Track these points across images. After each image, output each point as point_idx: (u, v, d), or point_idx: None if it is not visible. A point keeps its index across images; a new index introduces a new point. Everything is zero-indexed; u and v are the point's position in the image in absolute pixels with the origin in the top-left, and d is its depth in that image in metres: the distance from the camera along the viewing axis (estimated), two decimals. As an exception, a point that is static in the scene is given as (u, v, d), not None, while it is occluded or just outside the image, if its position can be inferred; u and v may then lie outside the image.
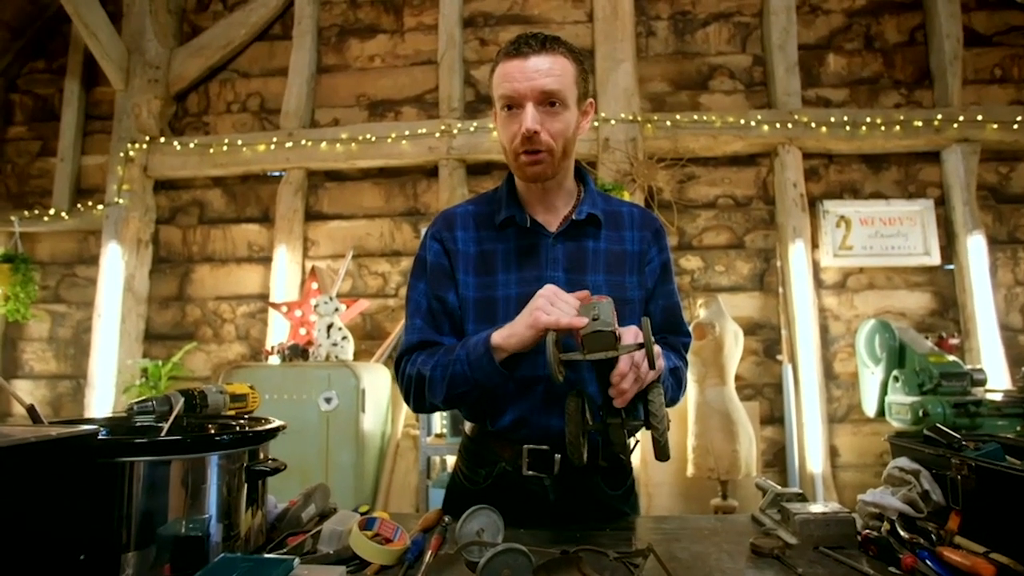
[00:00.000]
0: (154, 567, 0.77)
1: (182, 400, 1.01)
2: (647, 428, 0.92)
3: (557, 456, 1.07)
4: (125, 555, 0.76)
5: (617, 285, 1.12)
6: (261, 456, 0.92)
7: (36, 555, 0.64)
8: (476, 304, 1.11)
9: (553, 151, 1.06)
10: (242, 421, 1.04)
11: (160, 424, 0.96)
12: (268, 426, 0.94)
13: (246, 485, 0.87)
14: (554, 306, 0.93)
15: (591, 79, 1.10)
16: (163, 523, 0.78)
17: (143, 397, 1.01)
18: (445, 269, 1.15)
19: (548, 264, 1.12)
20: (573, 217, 1.13)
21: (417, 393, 1.08)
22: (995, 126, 3.32)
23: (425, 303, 1.14)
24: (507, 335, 0.96)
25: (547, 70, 1.02)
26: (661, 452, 0.91)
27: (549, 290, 0.96)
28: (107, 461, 0.76)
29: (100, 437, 0.78)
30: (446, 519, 1.01)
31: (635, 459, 1.26)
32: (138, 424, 0.98)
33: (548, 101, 1.02)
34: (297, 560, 0.72)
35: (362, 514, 0.95)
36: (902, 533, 0.90)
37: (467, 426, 1.21)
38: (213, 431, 0.98)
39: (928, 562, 0.80)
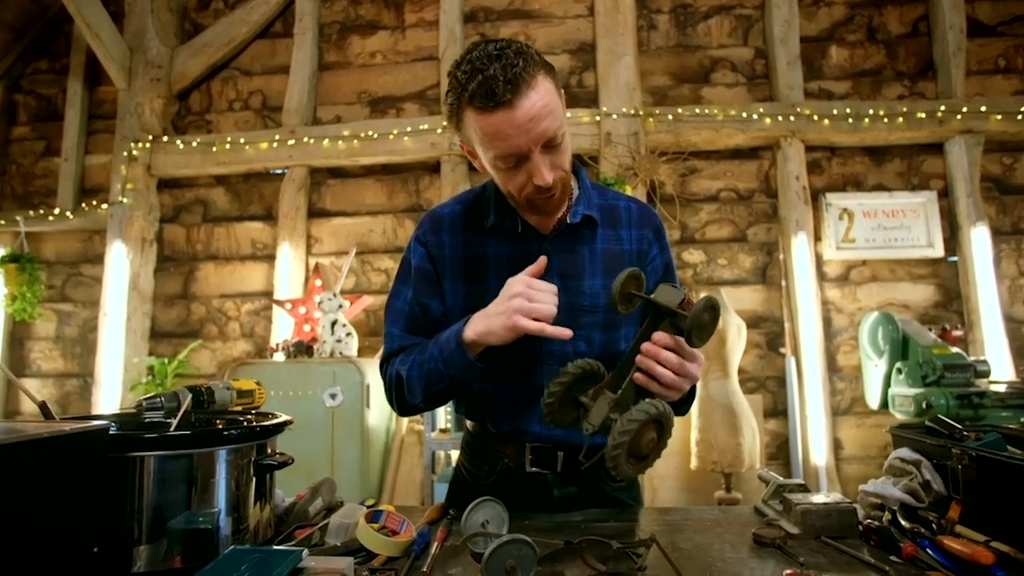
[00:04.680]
0: (165, 559, 0.79)
1: (190, 396, 1.02)
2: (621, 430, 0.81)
3: (560, 453, 1.07)
4: (137, 548, 0.78)
5: (629, 268, 1.06)
6: (269, 450, 0.93)
7: (51, 548, 0.65)
8: (466, 313, 1.04)
9: (566, 182, 1.00)
10: (250, 416, 1.05)
11: (169, 420, 0.97)
12: (275, 421, 0.95)
13: (254, 479, 0.88)
14: (533, 302, 0.89)
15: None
16: (173, 516, 0.80)
17: (151, 394, 1.02)
18: (430, 275, 1.10)
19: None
20: (568, 220, 1.06)
21: (399, 395, 1.06)
22: (999, 117, 3.30)
23: (406, 309, 1.10)
24: (483, 331, 0.93)
25: (540, 111, 0.89)
26: (611, 463, 0.77)
27: (520, 284, 0.91)
28: (118, 456, 0.77)
29: (111, 432, 0.79)
30: (451, 512, 1.03)
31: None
32: (147, 420, 0.99)
33: (551, 141, 0.93)
34: (305, 552, 0.73)
35: (368, 507, 0.97)
36: (903, 523, 0.91)
37: (468, 423, 1.21)
38: (221, 426, 0.99)
39: (929, 551, 0.81)
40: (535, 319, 0.89)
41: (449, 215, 1.12)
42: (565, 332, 0.89)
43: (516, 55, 0.88)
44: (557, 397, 0.90)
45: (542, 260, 0.95)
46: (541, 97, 0.89)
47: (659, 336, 0.85)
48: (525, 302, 0.89)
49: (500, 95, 0.86)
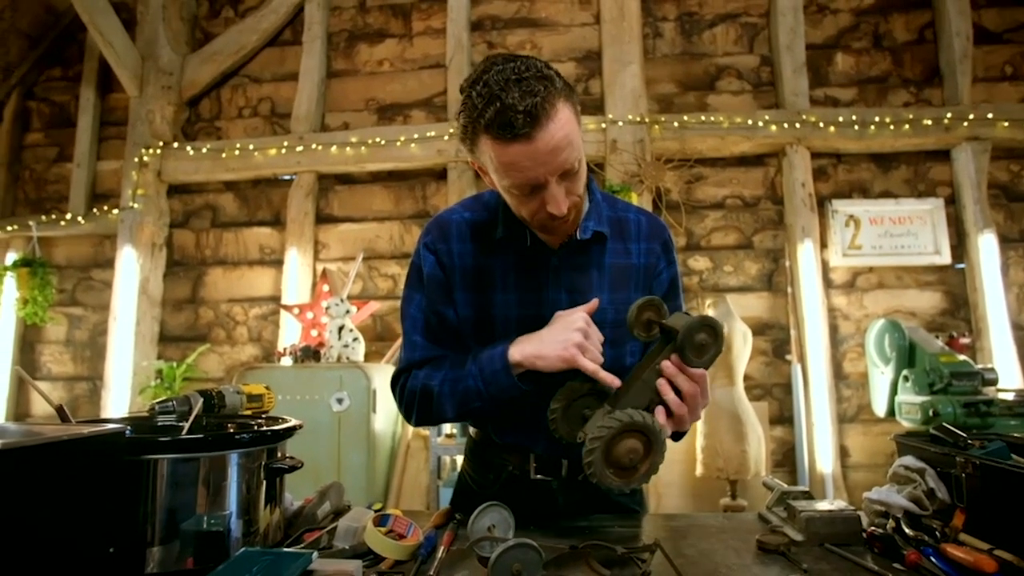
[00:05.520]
0: (177, 561, 0.80)
1: (201, 400, 1.03)
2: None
3: (564, 461, 1.08)
4: (150, 549, 0.79)
5: (623, 304, 1.02)
6: (279, 454, 0.94)
7: (68, 548, 0.67)
8: (474, 323, 1.06)
9: (579, 206, 0.98)
10: (260, 420, 1.07)
11: (181, 423, 0.99)
12: (286, 425, 0.96)
13: (265, 482, 0.90)
14: (590, 340, 0.90)
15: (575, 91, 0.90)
16: (186, 518, 0.81)
17: (163, 398, 1.04)
18: (442, 282, 1.07)
19: (550, 285, 1.05)
20: (578, 236, 1.03)
21: (422, 408, 1.03)
22: (1006, 124, 3.30)
23: (422, 318, 1.08)
24: (533, 357, 0.92)
25: (559, 142, 0.85)
26: (587, 469, 0.81)
27: (582, 321, 0.92)
28: (133, 459, 0.79)
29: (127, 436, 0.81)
30: (457, 516, 1.04)
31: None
32: (160, 423, 1.01)
33: (569, 171, 0.90)
34: (315, 554, 0.75)
35: (376, 511, 0.98)
36: (907, 530, 0.91)
37: (472, 430, 1.21)
38: (232, 430, 1.01)
39: (932, 558, 0.81)
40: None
41: (457, 223, 1.10)
42: (615, 380, 0.90)
43: (536, 80, 0.84)
44: (560, 409, 0.93)
45: (595, 302, 0.96)
46: (561, 127, 0.85)
47: (667, 364, 0.87)
48: (584, 339, 0.90)
49: (519, 127, 0.82)
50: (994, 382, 2.66)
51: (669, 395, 0.86)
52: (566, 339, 0.90)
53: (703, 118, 3.43)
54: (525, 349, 0.93)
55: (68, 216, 3.84)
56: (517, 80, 0.83)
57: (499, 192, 1.01)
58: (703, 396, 0.89)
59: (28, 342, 3.95)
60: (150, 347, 3.69)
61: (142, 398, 3.48)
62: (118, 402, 3.50)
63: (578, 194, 0.95)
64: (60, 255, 3.98)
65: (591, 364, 0.89)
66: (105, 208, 3.81)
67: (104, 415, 3.49)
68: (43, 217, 3.87)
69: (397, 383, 1.09)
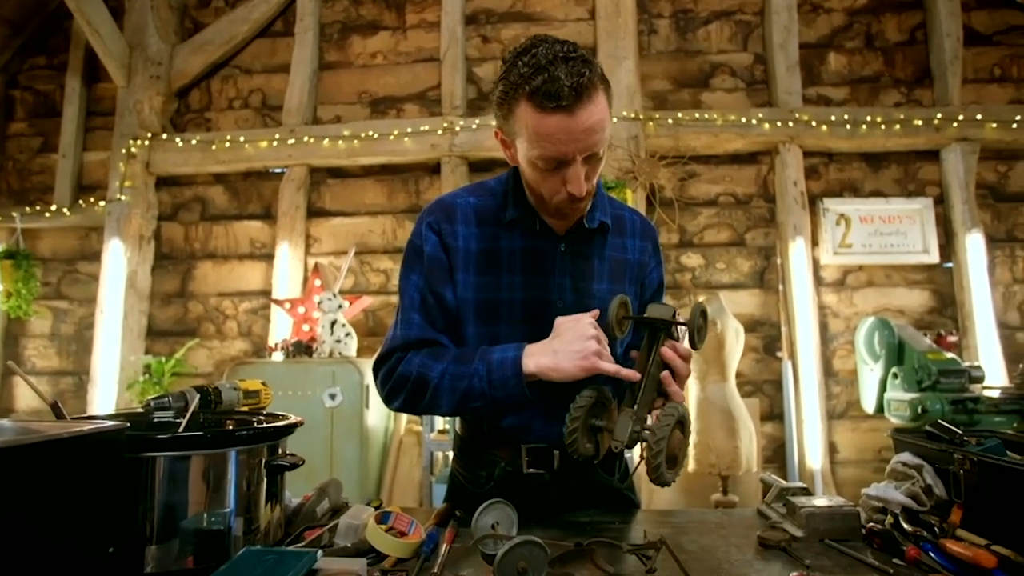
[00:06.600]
0: (177, 560, 0.79)
1: (198, 396, 1.02)
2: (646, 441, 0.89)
3: (556, 452, 1.07)
4: (149, 548, 0.78)
5: (618, 295, 1.09)
6: (279, 451, 0.93)
7: (68, 547, 0.66)
8: (477, 306, 1.06)
9: (592, 194, 1.02)
10: (261, 417, 1.06)
11: (178, 420, 0.97)
12: (287, 422, 0.95)
13: (265, 480, 0.89)
14: (602, 345, 0.93)
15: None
16: (185, 517, 0.80)
17: (159, 394, 1.02)
18: (443, 264, 1.07)
19: (556, 271, 1.07)
20: (586, 224, 1.06)
21: (413, 396, 1.02)
22: (994, 125, 3.34)
23: (420, 297, 1.07)
24: (550, 369, 0.94)
25: (595, 124, 0.90)
26: (654, 472, 0.86)
27: (592, 327, 0.94)
28: (132, 456, 0.77)
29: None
30: (458, 513, 1.03)
31: (636, 451, 1.28)
32: (156, 420, 0.99)
33: (596, 155, 0.94)
34: (320, 552, 0.74)
35: (376, 508, 0.97)
36: (905, 526, 0.92)
37: (459, 427, 1.20)
38: (232, 427, 0.99)
39: (931, 554, 0.82)
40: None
41: (462, 206, 1.09)
42: (636, 375, 0.93)
43: (583, 63, 0.88)
44: (580, 424, 0.92)
45: (597, 311, 0.99)
46: (599, 110, 0.90)
47: (665, 351, 0.94)
48: (597, 344, 0.93)
49: (564, 99, 0.86)
50: (980, 379, 2.71)
51: (673, 386, 0.94)
52: (583, 348, 0.93)
53: (697, 115, 3.44)
54: (541, 361, 0.95)
55: (53, 207, 3.77)
56: (565, 58, 0.88)
57: (518, 168, 1.03)
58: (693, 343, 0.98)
59: (12, 335, 3.88)
60: (138, 341, 3.64)
61: (130, 393, 3.43)
62: (105, 397, 3.45)
63: (593, 181, 0.99)
64: (45, 247, 3.91)
65: (612, 366, 0.93)
66: (91, 200, 3.74)
67: (91, 411, 3.44)
68: (27, 208, 3.79)
69: (386, 362, 1.07)
